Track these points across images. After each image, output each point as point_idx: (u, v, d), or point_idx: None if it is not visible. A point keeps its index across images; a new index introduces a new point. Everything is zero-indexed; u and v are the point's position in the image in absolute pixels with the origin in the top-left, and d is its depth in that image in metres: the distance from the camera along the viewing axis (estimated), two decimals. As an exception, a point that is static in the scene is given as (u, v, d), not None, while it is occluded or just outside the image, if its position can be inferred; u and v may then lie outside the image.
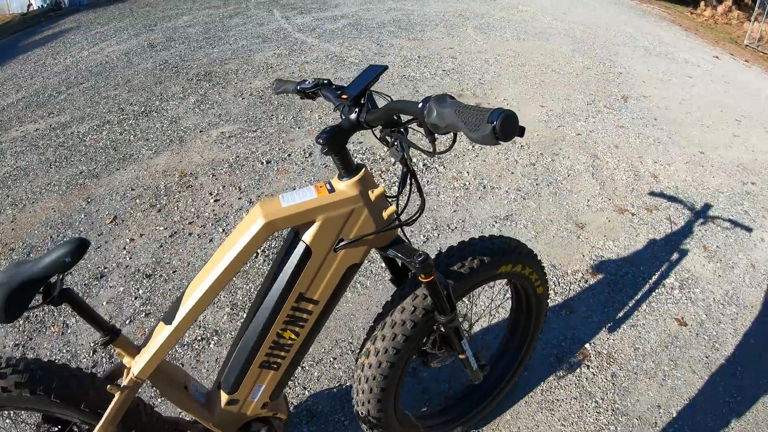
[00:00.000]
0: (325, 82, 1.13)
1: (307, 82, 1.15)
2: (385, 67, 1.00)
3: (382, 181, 3.14)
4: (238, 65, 4.92)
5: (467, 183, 3.23)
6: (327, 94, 1.09)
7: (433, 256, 1.11)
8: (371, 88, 0.96)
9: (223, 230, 2.74)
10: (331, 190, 0.97)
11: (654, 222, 3.16)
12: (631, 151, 3.92)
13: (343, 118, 0.97)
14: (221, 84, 4.52)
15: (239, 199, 2.96)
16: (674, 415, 1.94)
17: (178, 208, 2.88)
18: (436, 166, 3.37)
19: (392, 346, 1.14)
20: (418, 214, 1.01)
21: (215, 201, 2.95)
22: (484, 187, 3.18)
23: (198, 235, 2.69)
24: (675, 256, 2.82)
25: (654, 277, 2.62)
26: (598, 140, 3.95)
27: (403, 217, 1.07)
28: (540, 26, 6.70)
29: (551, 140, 3.80)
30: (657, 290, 2.54)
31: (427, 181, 3.21)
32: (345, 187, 0.97)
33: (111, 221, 2.82)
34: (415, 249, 1.04)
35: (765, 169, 4.34)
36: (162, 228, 2.77)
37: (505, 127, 0.63)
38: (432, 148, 0.86)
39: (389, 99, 0.94)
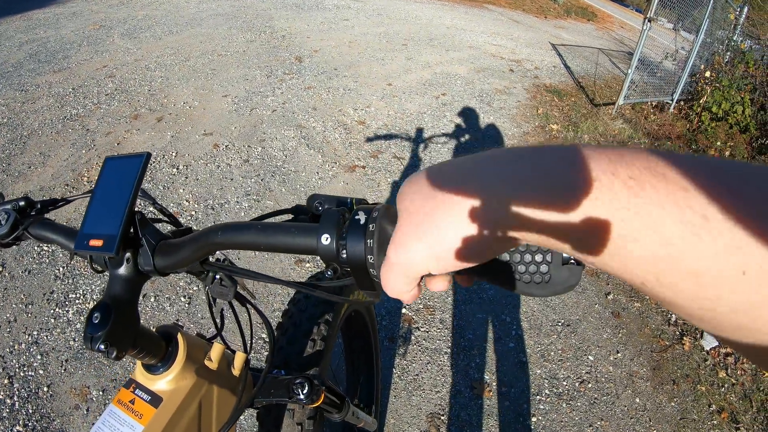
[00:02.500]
0: (22, 204, 0.62)
1: None
2: (146, 156, 0.55)
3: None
4: None
5: (187, 209, 2.57)
6: (47, 236, 0.60)
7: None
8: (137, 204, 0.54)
9: None
10: (154, 399, 0.59)
11: (385, 165, 3.12)
12: (330, 108, 3.79)
13: (112, 278, 0.54)
14: None
15: None
16: (507, 319, 2.12)
17: None
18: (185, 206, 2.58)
19: None
20: (273, 344, 0.69)
21: None
22: (213, 209, 2.61)
23: None
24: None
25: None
26: (294, 110, 3.69)
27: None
28: (188, 14, 6.10)
29: (251, 127, 3.38)
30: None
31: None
32: (173, 382, 0.60)
33: None
34: (287, 378, 0.76)
35: (446, 79, 4.81)
36: None
37: None
38: (375, 293, 0.45)
39: (153, 201, 0.62)
